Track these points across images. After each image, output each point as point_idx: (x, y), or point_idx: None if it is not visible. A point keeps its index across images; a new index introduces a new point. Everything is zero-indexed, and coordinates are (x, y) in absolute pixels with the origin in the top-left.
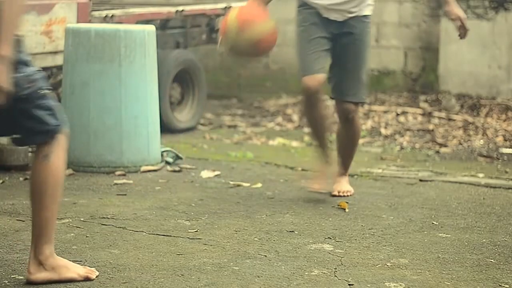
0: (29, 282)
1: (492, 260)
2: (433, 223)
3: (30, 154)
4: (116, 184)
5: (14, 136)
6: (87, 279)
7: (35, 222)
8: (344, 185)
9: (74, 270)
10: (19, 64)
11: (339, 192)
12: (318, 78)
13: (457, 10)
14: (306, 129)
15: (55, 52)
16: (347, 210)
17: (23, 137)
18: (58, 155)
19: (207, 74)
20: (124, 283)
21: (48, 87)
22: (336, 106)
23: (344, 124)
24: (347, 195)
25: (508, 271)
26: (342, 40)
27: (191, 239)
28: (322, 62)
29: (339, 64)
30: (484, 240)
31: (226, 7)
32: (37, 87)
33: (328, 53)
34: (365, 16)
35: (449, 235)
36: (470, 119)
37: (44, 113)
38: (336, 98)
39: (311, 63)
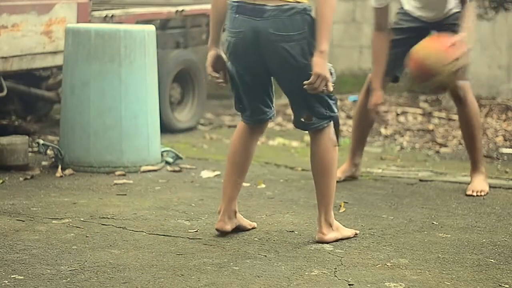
0: (320, 242)
1: (492, 260)
2: (433, 223)
3: (30, 154)
4: (116, 184)
5: (301, 120)
6: (355, 235)
7: (321, 192)
8: (478, 184)
9: (348, 230)
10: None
11: (473, 191)
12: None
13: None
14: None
15: (55, 52)
16: (342, 209)
17: (314, 122)
18: (329, 139)
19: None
20: (124, 283)
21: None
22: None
23: (458, 106)
24: (481, 195)
25: (508, 271)
26: None
27: (191, 239)
28: None
29: None
30: (484, 240)
31: None
32: (333, 79)
33: None
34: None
35: (449, 235)
36: None
37: (332, 102)
38: None
39: None
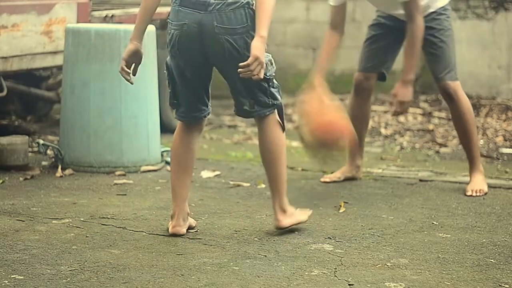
0: (279, 228)
1: (492, 260)
2: (433, 223)
3: (30, 154)
4: (116, 184)
5: (244, 108)
6: (310, 216)
7: (273, 180)
8: (476, 183)
9: (303, 214)
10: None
11: (472, 191)
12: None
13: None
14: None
15: (55, 52)
16: (342, 209)
17: (256, 110)
18: (276, 125)
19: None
20: (124, 283)
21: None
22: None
23: (449, 104)
24: (479, 195)
25: (508, 271)
26: None
27: (191, 239)
28: None
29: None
30: (484, 240)
31: None
32: (273, 69)
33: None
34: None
35: (449, 235)
36: None
37: (275, 91)
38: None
39: None
